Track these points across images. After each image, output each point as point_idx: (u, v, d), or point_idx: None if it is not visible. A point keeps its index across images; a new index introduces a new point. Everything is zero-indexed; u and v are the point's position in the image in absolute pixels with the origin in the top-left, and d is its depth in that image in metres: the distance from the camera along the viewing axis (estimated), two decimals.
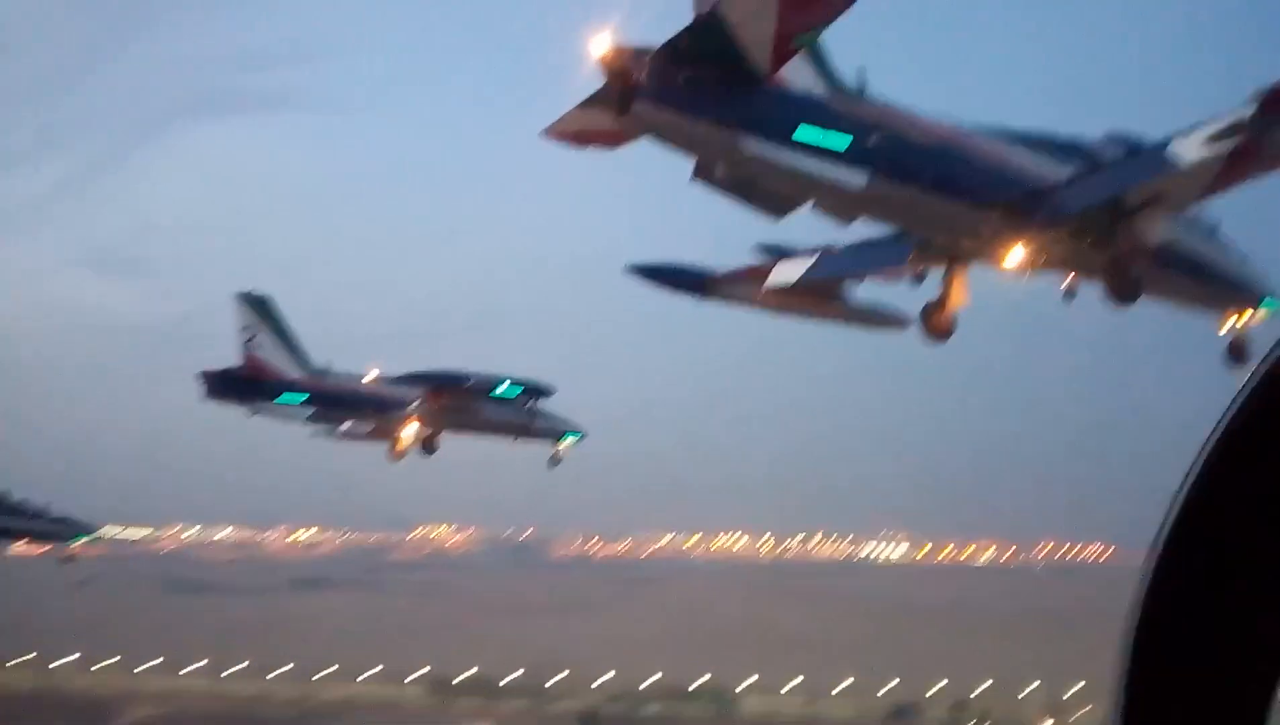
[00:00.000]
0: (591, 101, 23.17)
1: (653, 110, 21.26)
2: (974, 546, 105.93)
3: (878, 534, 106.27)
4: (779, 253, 32.37)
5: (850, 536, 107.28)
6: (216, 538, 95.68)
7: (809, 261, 31.51)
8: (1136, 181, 22.80)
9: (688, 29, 21.11)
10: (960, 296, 28.91)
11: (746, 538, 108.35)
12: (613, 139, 24.83)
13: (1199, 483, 1.17)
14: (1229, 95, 20.65)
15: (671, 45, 21.23)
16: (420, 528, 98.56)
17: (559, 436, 53.50)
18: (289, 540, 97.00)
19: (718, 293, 33.74)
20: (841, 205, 25.24)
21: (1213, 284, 28.54)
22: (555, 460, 53.90)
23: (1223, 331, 29.52)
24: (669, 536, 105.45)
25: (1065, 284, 30.38)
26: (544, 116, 25.07)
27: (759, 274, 32.80)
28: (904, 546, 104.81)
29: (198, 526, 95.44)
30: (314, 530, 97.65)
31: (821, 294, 32.75)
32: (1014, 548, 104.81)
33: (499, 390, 49.78)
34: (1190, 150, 21.17)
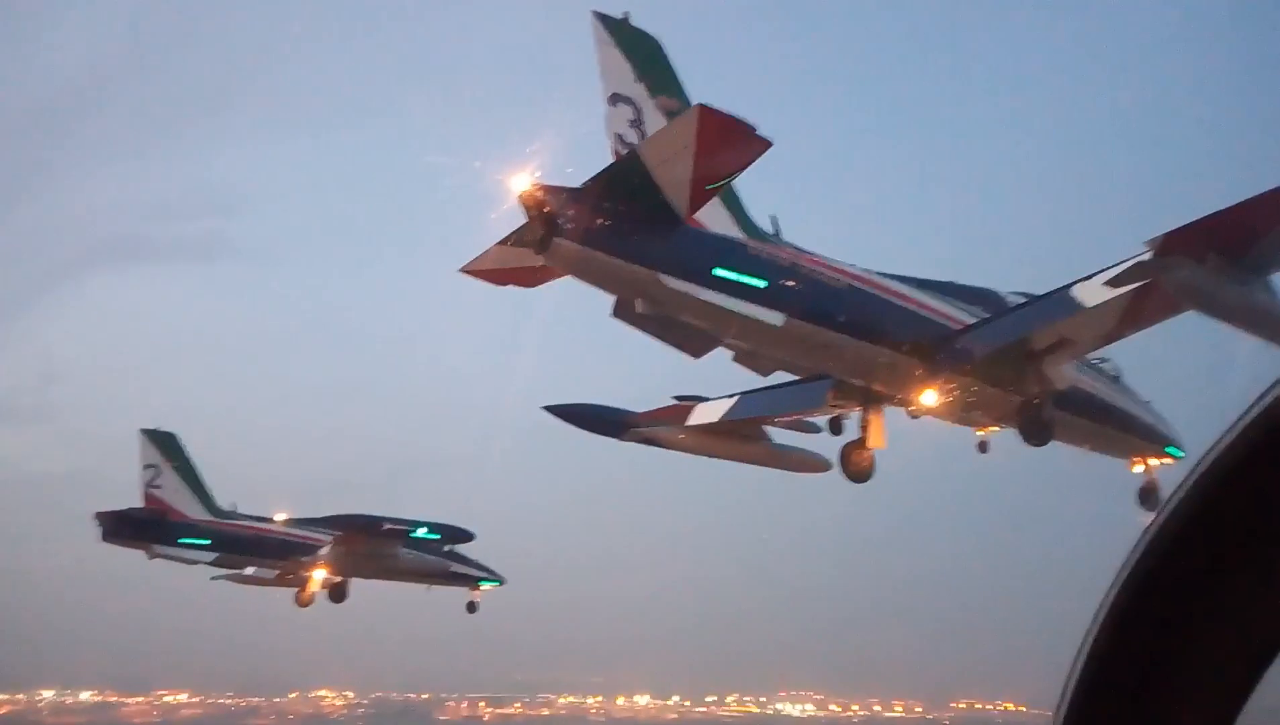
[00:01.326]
0: (510, 239, 23.26)
1: (573, 248, 21.35)
2: (882, 704, 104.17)
3: (788, 693, 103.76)
4: (692, 400, 32.55)
5: (761, 696, 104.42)
6: (69, 702, 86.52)
7: (729, 403, 31.67)
8: (1043, 323, 23.52)
9: (608, 169, 21.51)
10: (878, 438, 29.18)
11: (649, 698, 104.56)
12: (531, 278, 24.84)
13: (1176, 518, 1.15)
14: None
15: (592, 184, 21.55)
16: (297, 691, 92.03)
17: (478, 583, 51.53)
18: (153, 704, 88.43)
19: (636, 434, 33.47)
20: (758, 345, 25.49)
21: (1119, 430, 29.29)
22: (473, 608, 51.72)
23: (1135, 473, 30.15)
24: (568, 698, 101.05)
25: (979, 437, 31.12)
26: (465, 258, 25.18)
27: (679, 414, 32.77)
28: (811, 706, 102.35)
29: (51, 691, 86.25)
30: (184, 695, 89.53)
31: (742, 436, 32.80)
32: (925, 705, 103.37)
33: (416, 534, 47.78)
34: (1093, 294, 21.98)
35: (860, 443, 29.38)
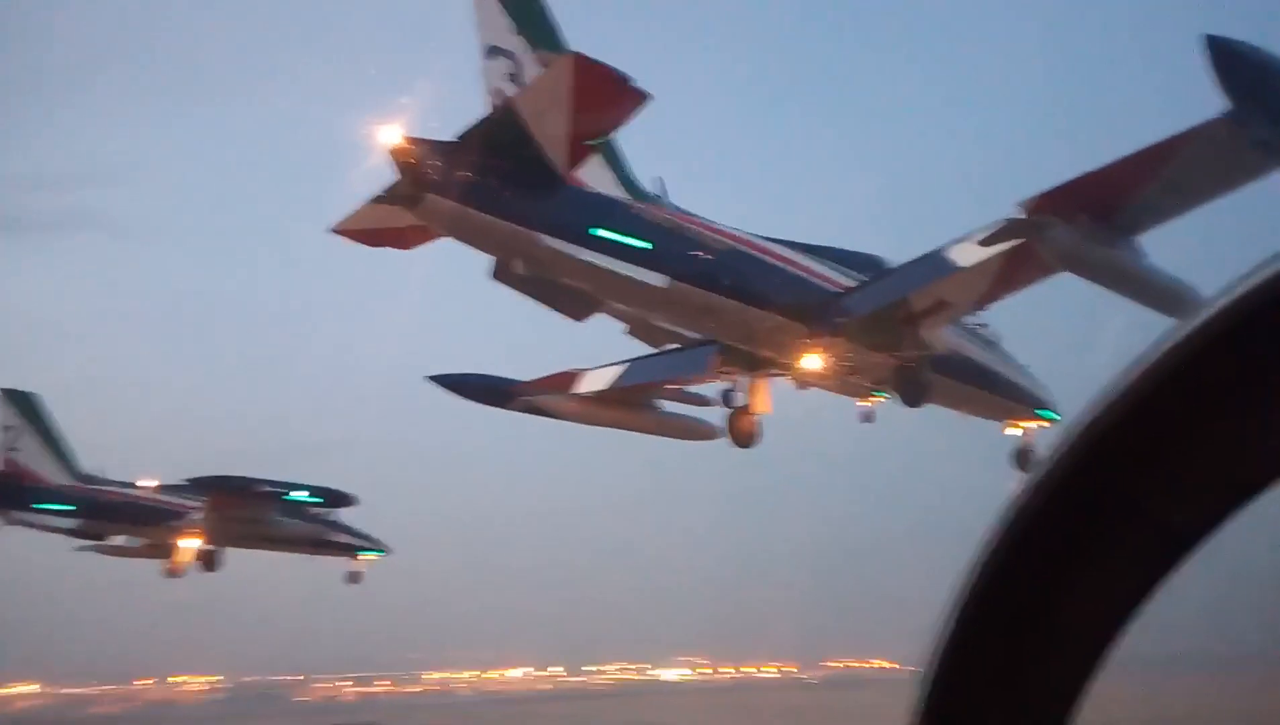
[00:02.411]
0: (383, 197, 22.33)
1: (444, 204, 20.56)
2: (757, 666, 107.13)
3: (671, 659, 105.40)
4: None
5: (643, 664, 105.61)
6: None
7: (616, 370, 31.35)
8: (920, 284, 23.74)
9: (481, 122, 20.75)
10: (763, 404, 29.34)
11: (526, 671, 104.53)
12: (406, 238, 23.95)
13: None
14: None
15: (466, 138, 20.77)
16: (152, 678, 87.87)
17: (360, 553, 48.86)
18: None
19: (523, 403, 32.89)
20: (642, 308, 25.17)
21: (995, 394, 30.01)
22: (355, 579, 49.47)
23: (1010, 438, 30.98)
24: (439, 674, 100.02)
25: (861, 407, 31.58)
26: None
27: (566, 383, 32.32)
28: (688, 671, 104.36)
29: None
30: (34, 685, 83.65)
31: (631, 404, 32.56)
32: (799, 665, 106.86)
33: (293, 497, 44.69)
34: (968, 254, 22.26)
35: (746, 408, 29.49)
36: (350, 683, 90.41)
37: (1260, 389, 1.08)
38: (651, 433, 33.52)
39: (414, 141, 20.73)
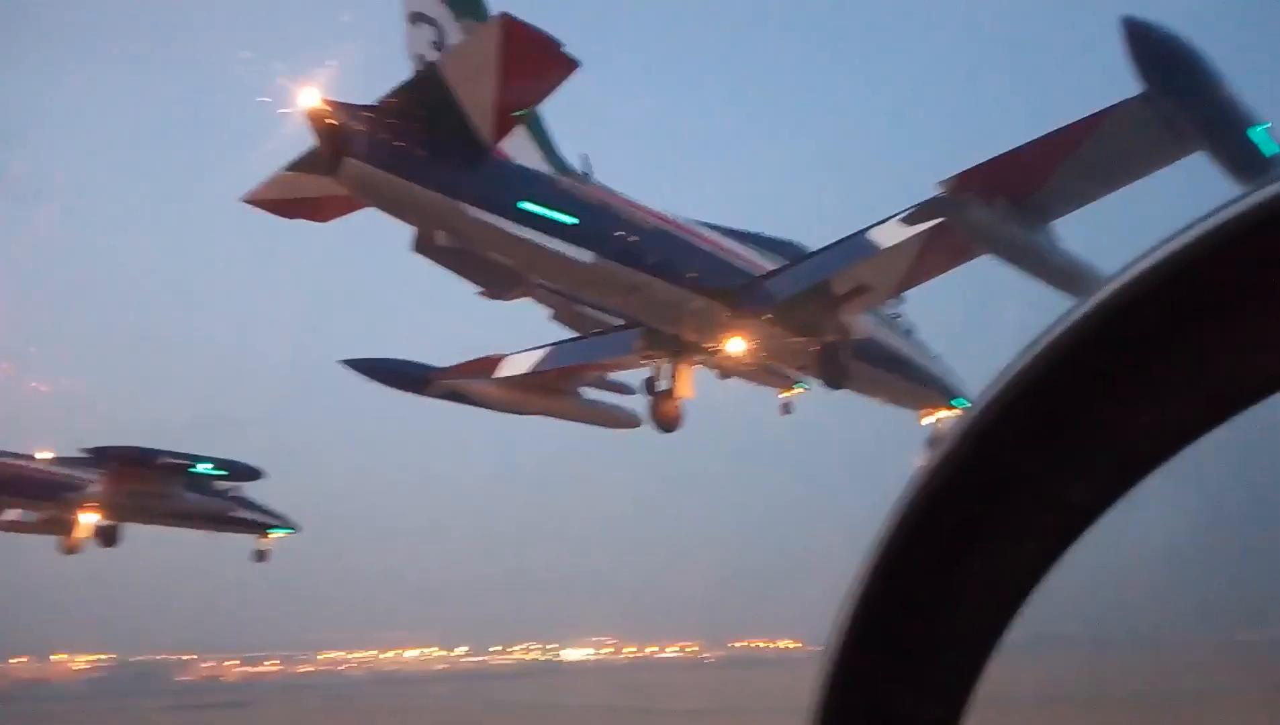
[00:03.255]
0: (299, 164, 21.60)
1: (363, 168, 19.91)
2: (660, 646, 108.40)
3: (578, 640, 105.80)
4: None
5: (549, 644, 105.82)
6: None
7: (538, 354, 30.95)
8: (843, 266, 23.93)
9: (404, 85, 20.20)
10: (686, 388, 29.27)
11: (425, 651, 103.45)
12: (323, 209, 23.23)
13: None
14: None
15: (388, 102, 20.19)
16: (28, 655, 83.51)
17: (267, 530, 46.26)
18: None
19: (441, 388, 32.21)
20: (567, 285, 24.91)
21: (910, 381, 30.56)
22: (261, 557, 46.53)
23: (924, 425, 31.58)
24: (331, 654, 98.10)
25: (781, 398, 31.92)
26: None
27: (486, 368, 31.77)
28: (591, 650, 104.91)
29: None
30: None
31: (553, 391, 32.17)
32: (703, 645, 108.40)
33: (197, 469, 41.78)
34: (890, 235, 22.52)
35: (669, 392, 29.38)
36: (238, 662, 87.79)
37: (1151, 369, 1.11)
38: (574, 420, 33.18)
39: (333, 104, 20.07)
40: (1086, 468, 1.19)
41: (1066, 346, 1.11)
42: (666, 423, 29.44)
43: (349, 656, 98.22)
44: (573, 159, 24.39)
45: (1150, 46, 17.79)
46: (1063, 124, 19.40)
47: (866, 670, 1.27)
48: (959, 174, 20.57)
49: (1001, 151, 20.21)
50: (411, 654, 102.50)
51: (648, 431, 30.50)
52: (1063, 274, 21.49)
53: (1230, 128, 18.28)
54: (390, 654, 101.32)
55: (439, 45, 21.80)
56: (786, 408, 32.60)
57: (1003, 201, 20.79)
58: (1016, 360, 1.13)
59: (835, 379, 26.50)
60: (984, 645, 1.29)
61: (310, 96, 19.92)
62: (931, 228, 21.85)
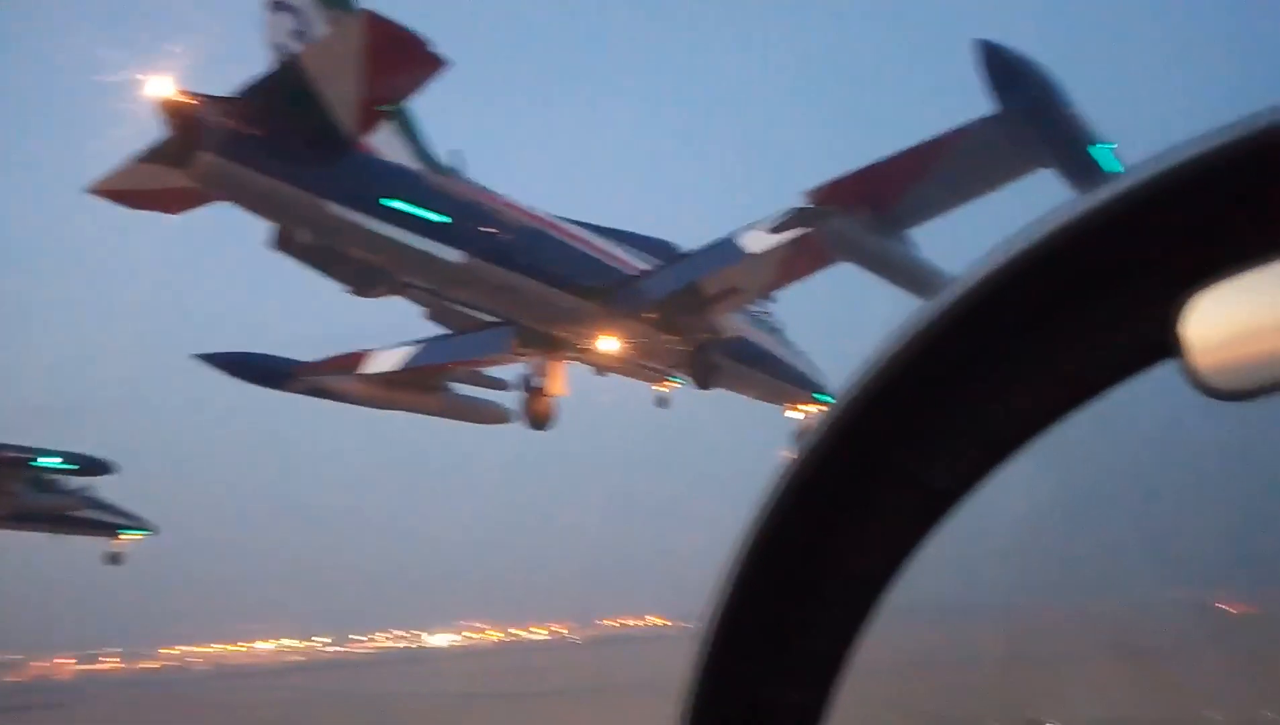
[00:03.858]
0: (150, 155, 20.49)
1: (218, 162, 19.04)
2: (528, 629, 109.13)
3: (447, 625, 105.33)
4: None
5: (415, 631, 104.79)
6: None
7: (407, 351, 30.29)
8: (713, 269, 24.28)
9: (264, 77, 19.39)
10: (559, 385, 29.23)
11: (283, 642, 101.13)
12: (175, 201, 22.11)
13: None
14: None
15: (247, 94, 19.35)
16: None
17: (119, 531, 42.16)
18: None
19: (304, 384, 31.19)
20: (437, 285, 24.45)
21: (778, 378, 31.31)
22: (116, 560, 42.31)
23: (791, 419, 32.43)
24: (177, 649, 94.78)
25: (656, 392, 32.21)
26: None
27: (351, 363, 30.93)
28: (455, 636, 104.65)
29: None
30: None
31: (422, 387, 31.58)
32: (572, 626, 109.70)
33: (42, 463, 38.01)
34: (758, 241, 22.96)
35: (541, 389, 29.29)
36: (74, 660, 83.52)
37: (1008, 358, 1.17)
38: (444, 416, 32.65)
39: (187, 95, 19.11)
40: (949, 454, 1.24)
41: (926, 339, 1.16)
42: (539, 420, 29.36)
43: (195, 651, 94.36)
44: (444, 154, 24.00)
45: (1004, 69, 18.65)
46: (921, 140, 20.14)
47: (737, 656, 1.30)
48: (824, 185, 21.15)
49: (863, 165, 20.85)
50: (265, 646, 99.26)
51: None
52: (918, 280, 22.39)
53: (1074, 145, 19.36)
54: (241, 647, 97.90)
55: (301, 34, 21.00)
56: (661, 401, 32.96)
57: (864, 212, 21.47)
58: (878, 353, 1.18)
59: (706, 379, 26.94)
60: (852, 628, 1.33)
61: (163, 86, 18.92)
62: (797, 235, 22.38)
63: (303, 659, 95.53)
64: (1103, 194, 1.06)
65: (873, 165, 20.93)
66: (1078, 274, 1.11)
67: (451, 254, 22.29)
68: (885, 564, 1.31)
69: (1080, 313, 1.13)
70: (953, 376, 1.19)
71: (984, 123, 19.36)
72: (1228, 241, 1.03)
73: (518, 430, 30.78)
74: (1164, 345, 1.06)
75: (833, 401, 1.21)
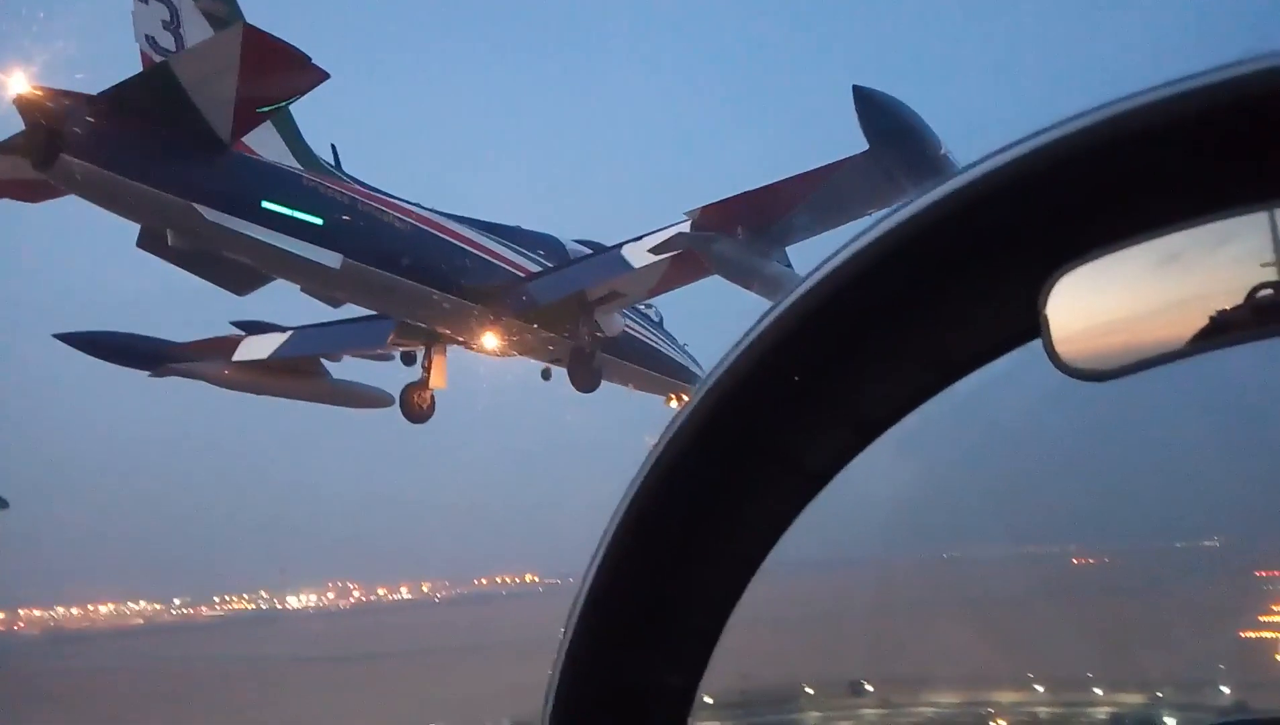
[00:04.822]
0: (8, 146, 19.49)
1: (82, 167, 18.26)
2: (410, 587, 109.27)
3: (311, 585, 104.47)
4: (255, 328, 30.11)
5: (277, 591, 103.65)
6: None
7: (283, 338, 29.66)
8: (598, 279, 24.68)
9: (132, 80, 18.62)
10: (439, 379, 29.13)
11: (144, 604, 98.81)
12: (35, 190, 21.11)
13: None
14: None
15: (113, 95, 18.54)
16: None
17: None
18: None
19: (175, 367, 30.24)
20: (314, 286, 24.04)
21: (659, 371, 31.96)
22: None
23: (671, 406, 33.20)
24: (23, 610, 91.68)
25: (542, 366, 32.43)
26: None
27: (226, 348, 30.12)
28: (314, 596, 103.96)
29: None
30: None
31: (298, 372, 31.00)
32: (451, 582, 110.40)
33: None
34: (641, 256, 23.45)
35: (422, 383, 29.16)
36: None
37: (872, 341, 1.20)
38: (321, 401, 32.17)
39: (49, 92, 18.23)
40: (820, 434, 1.27)
41: (790, 323, 1.18)
42: (418, 414, 29.27)
43: (33, 615, 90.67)
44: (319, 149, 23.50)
45: (875, 111, 19.45)
46: (800, 171, 20.94)
47: (609, 639, 1.29)
48: (706, 207, 21.72)
49: (745, 190, 21.49)
50: (104, 610, 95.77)
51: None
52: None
53: (939, 180, 20.34)
54: (78, 611, 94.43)
55: (172, 25, 20.20)
56: (546, 374, 33.20)
57: (742, 233, 22.12)
58: (741, 341, 1.19)
59: (585, 382, 27.38)
60: (723, 606, 1.34)
61: (20, 82, 18.00)
62: (675, 244, 22.96)
63: (142, 623, 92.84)
64: (964, 177, 1.09)
65: (753, 191, 21.61)
66: (942, 256, 1.13)
67: (331, 258, 21.96)
68: (758, 544, 1.31)
69: (946, 295, 1.16)
70: (820, 359, 1.20)
71: (857, 159, 20.19)
72: (1088, 224, 1.05)
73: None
74: (1028, 326, 1.09)
75: (704, 380, 1.23)
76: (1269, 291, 0.95)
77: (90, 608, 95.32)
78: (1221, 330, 0.98)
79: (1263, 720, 2.53)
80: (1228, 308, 0.97)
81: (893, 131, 19.78)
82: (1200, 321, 0.98)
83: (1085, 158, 1.00)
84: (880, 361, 1.21)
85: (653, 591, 1.29)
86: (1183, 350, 1.00)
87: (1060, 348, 1.05)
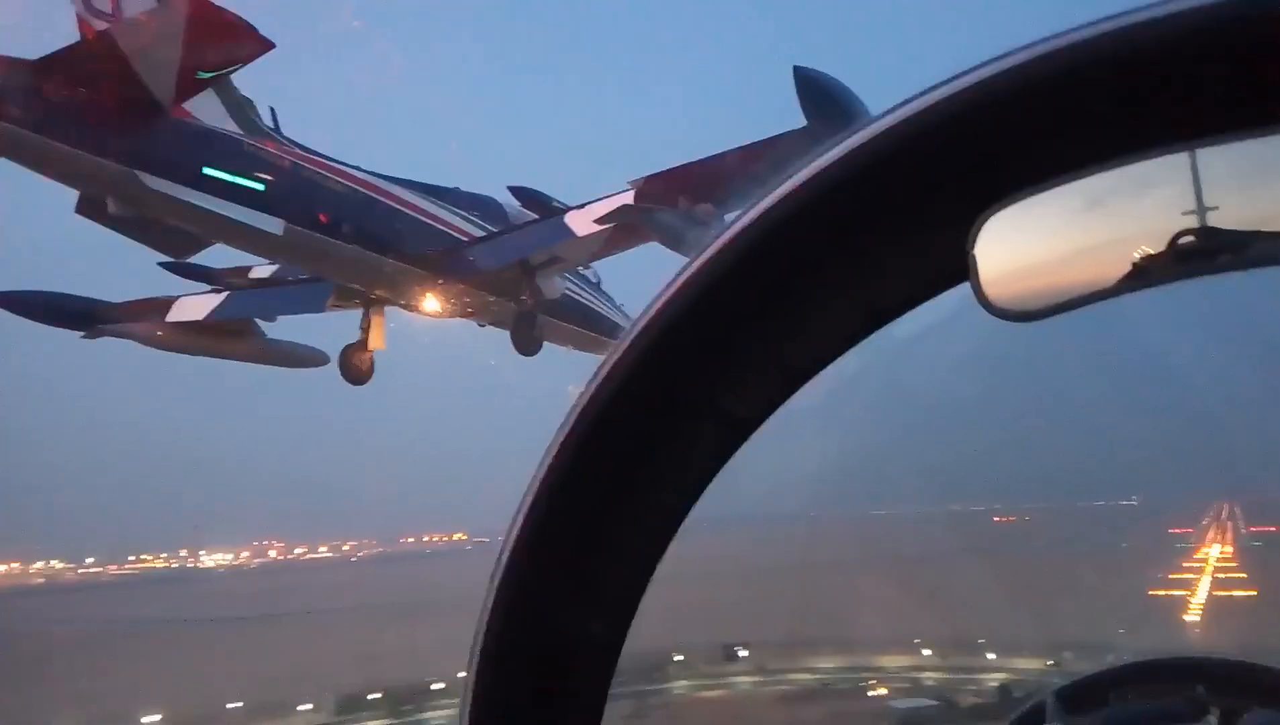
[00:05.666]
0: None
1: (16, 133, 17.98)
2: (330, 547, 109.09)
3: (232, 544, 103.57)
4: (188, 270, 29.67)
5: (194, 548, 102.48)
6: None
7: (218, 299, 29.35)
8: (540, 246, 25.06)
9: (72, 48, 18.27)
10: (378, 341, 29.23)
11: (29, 564, 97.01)
12: None
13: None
14: None
15: (50, 62, 18.19)
16: None
17: None
18: None
19: (107, 327, 29.74)
20: (255, 251, 23.97)
21: (597, 331, 32.55)
22: None
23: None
24: None
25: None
26: None
27: (160, 309, 29.70)
28: (230, 556, 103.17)
29: None
30: None
31: (232, 333, 30.74)
32: (377, 540, 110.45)
33: None
34: (584, 225, 23.89)
35: (361, 344, 29.22)
36: None
37: (798, 286, 1.17)
38: (255, 361, 31.97)
39: None
40: (745, 381, 1.24)
41: (716, 270, 1.16)
42: (357, 376, 29.38)
43: None
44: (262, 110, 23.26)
45: (814, 90, 20.12)
46: (739, 145, 21.53)
47: (536, 591, 1.28)
48: (648, 178, 22.23)
49: (686, 162, 22.04)
50: (2, 569, 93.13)
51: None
52: None
53: (865, 123, 21.27)
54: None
55: None
56: (482, 323, 33.50)
57: (684, 203, 22.70)
58: (666, 286, 1.18)
59: (527, 346, 27.84)
60: (650, 557, 1.33)
61: None
62: (620, 216, 23.46)
63: (42, 582, 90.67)
64: (889, 119, 1.07)
65: (693, 163, 22.17)
66: (869, 199, 1.11)
67: (272, 224, 21.93)
68: (684, 494, 1.31)
69: (873, 239, 1.14)
70: (743, 306, 1.18)
71: (795, 134, 20.84)
72: (1015, 165, 1.04)
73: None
74: (955, 268, 1.08)
75: (629, 330, 1.22)
76: (1189, 237, 0.97)
77: None
78: (1144, 272, 1.01)
79: (1147, 663, 2.62)
80: (1150, 251, 1.00)
81: (830, 110, 20.47)
82: (1124, 265, 1.01)
83: (1010, 99, 1.00)
84: (806, 306, 1.20)
85: (577, 543, 1.28)
86: (1108, 290, 1.02)
87: (988, 290, 1.06)
